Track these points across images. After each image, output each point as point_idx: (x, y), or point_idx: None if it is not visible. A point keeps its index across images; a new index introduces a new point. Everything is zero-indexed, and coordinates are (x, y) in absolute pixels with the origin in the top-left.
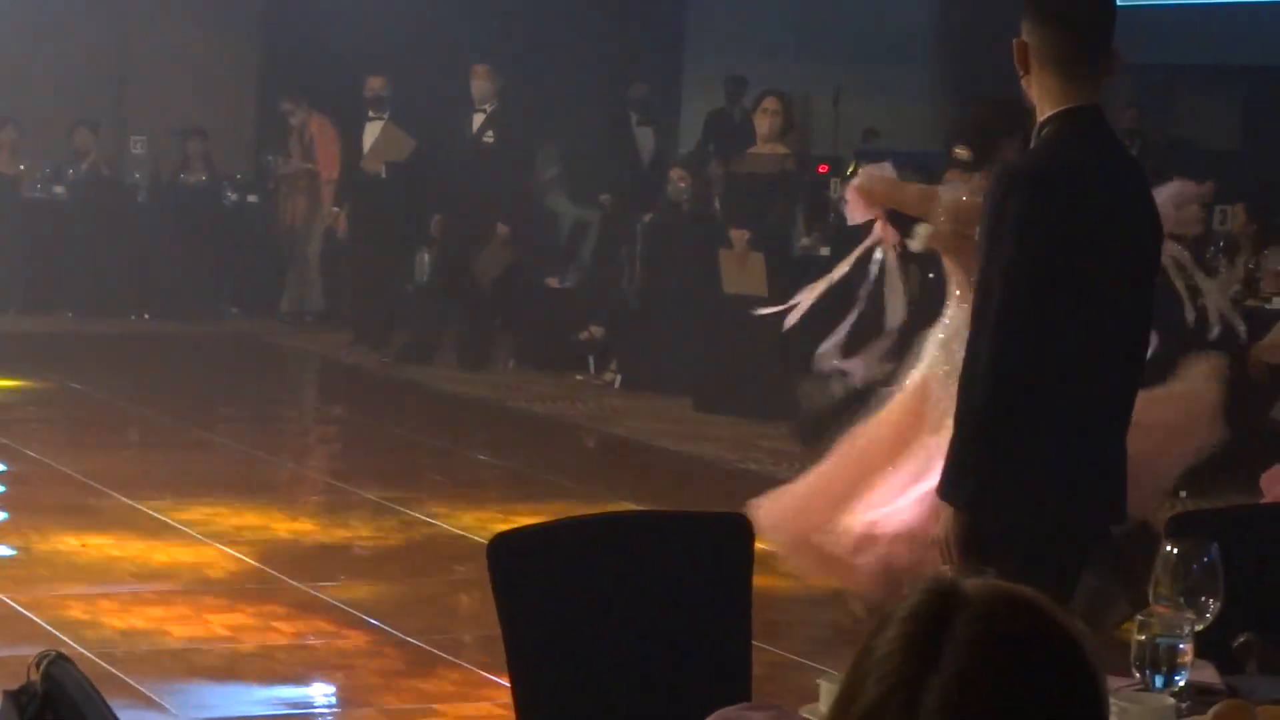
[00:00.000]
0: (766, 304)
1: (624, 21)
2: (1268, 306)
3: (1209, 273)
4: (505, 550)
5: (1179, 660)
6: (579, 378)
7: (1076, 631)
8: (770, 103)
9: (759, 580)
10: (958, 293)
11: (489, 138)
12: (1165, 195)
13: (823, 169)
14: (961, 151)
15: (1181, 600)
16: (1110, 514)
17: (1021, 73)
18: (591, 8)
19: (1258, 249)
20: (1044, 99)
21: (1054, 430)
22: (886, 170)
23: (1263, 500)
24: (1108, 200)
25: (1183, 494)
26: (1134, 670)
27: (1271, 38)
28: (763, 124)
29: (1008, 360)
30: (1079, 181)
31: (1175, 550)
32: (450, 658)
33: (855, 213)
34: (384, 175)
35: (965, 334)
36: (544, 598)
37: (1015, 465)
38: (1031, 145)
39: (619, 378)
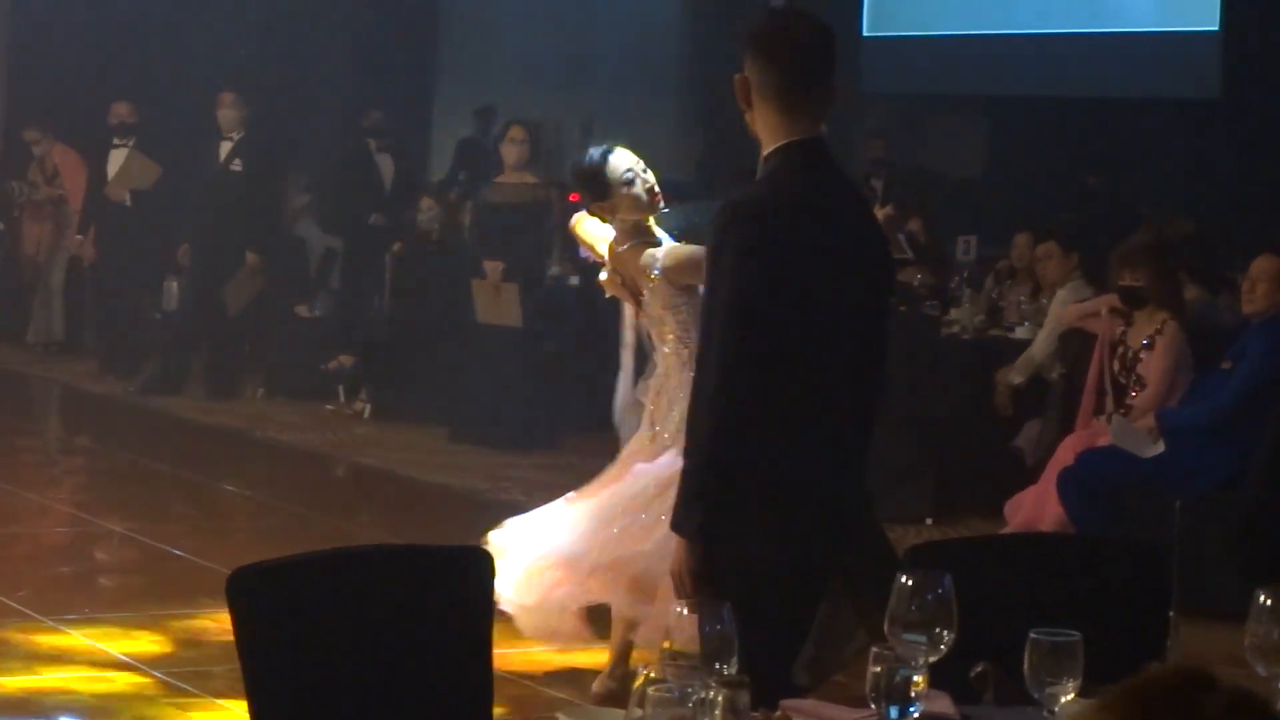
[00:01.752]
0: (521, 334)
1: (374, 49)
2: (1011, 336)
3: (954, 303)
4: (245, 583)
5: (913, 691)
6: (329, 408)
7: None
8: (516, 132)
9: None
10: (665, 341)
11: (237, 165)
12: None
13: (574, 198)
14: None
15: (916, 631)
16: (844, 543)
17: (744, 108)
18: (341, 35)
19: (999, 279)
20: (766, 133)
21: (781, 459)
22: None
23: (1007, 528)
24: (829, 231)
25: (929, 521)
26: (869, 701)
27: (1016, 69)
28: (510, 153)
29: (731, 391)
30: (798, 213)
31: (910, 581)
32: (196, 690)
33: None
34: (129, 203)
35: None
36: (284, 631)
37: (744, 495)
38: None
39: (369, 407)
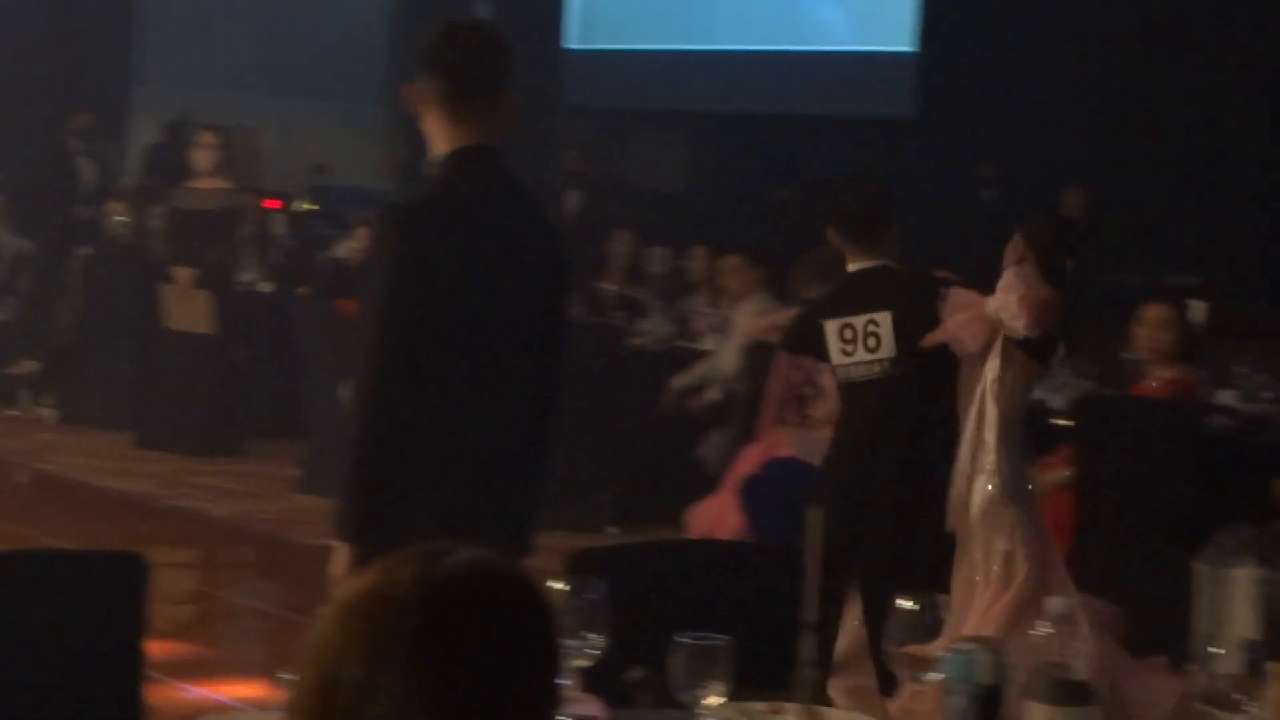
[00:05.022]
0: (211, 340)
1: (71, 49)
2: (694, 346)
3: (643, 314)
4: None
5: (560, 696)
6: (13, 412)
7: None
8: (207, 137)
9: None
10: None
11: None
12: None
13: (272, 204)
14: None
15: (569, 636)
16: (509, 545)
17: (418, 115)
18: (38, 33)
19: (688, 291)
20: (435, 140)
21: (436, 464)
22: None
23: (690, 534)
24: (492, 239)
25: (613, 530)
26: None
27: (717, 84)
28: (201, 158)
29: (384, 396)
30: (459, 219)
31: (564, 587)
32: None
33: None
34: None
35: None
36: None
37: (397, 499)
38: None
39: (54, 412)
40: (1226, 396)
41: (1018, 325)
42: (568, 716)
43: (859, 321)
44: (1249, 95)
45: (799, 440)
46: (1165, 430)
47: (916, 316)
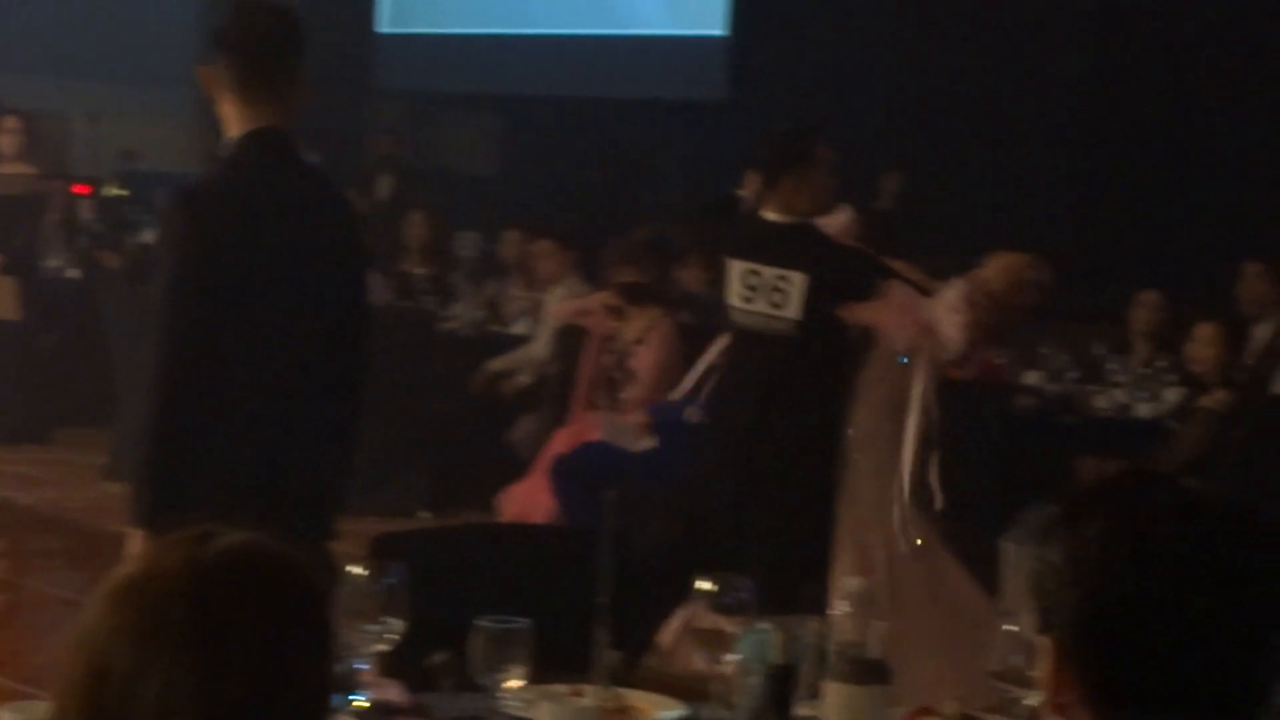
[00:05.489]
0: (18, 327)
1: None
2: (506, 331)
3: (454, 298)
4: None
5: (358, 680)
6: None
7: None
8: (10, 122)
9: None
10: None
11: None
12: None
13: (81, 189)
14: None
15: (368, 620)
16: (312, 529)
17: (213, 98)
18: None
19: (499, 275)
20: (228, 122)
21: (232, 448)
22: None
23: (502, 518)
24: (281, 221)
25: (425, 514)
26: None
27: (529, 68)
28: (4, 144)
29: (175, 380)
30: (247, 202)
31: (363, 571)
32: None
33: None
34: None
35: None
36: None
37: (191, 484)
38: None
39: None
40: (1032, 377)
41: (950, 347)
42: (368, 701)
43: (768, 272)
44: (1060, 75)
45: (610, 424)
46: (973, 412)
47: (834, 288)
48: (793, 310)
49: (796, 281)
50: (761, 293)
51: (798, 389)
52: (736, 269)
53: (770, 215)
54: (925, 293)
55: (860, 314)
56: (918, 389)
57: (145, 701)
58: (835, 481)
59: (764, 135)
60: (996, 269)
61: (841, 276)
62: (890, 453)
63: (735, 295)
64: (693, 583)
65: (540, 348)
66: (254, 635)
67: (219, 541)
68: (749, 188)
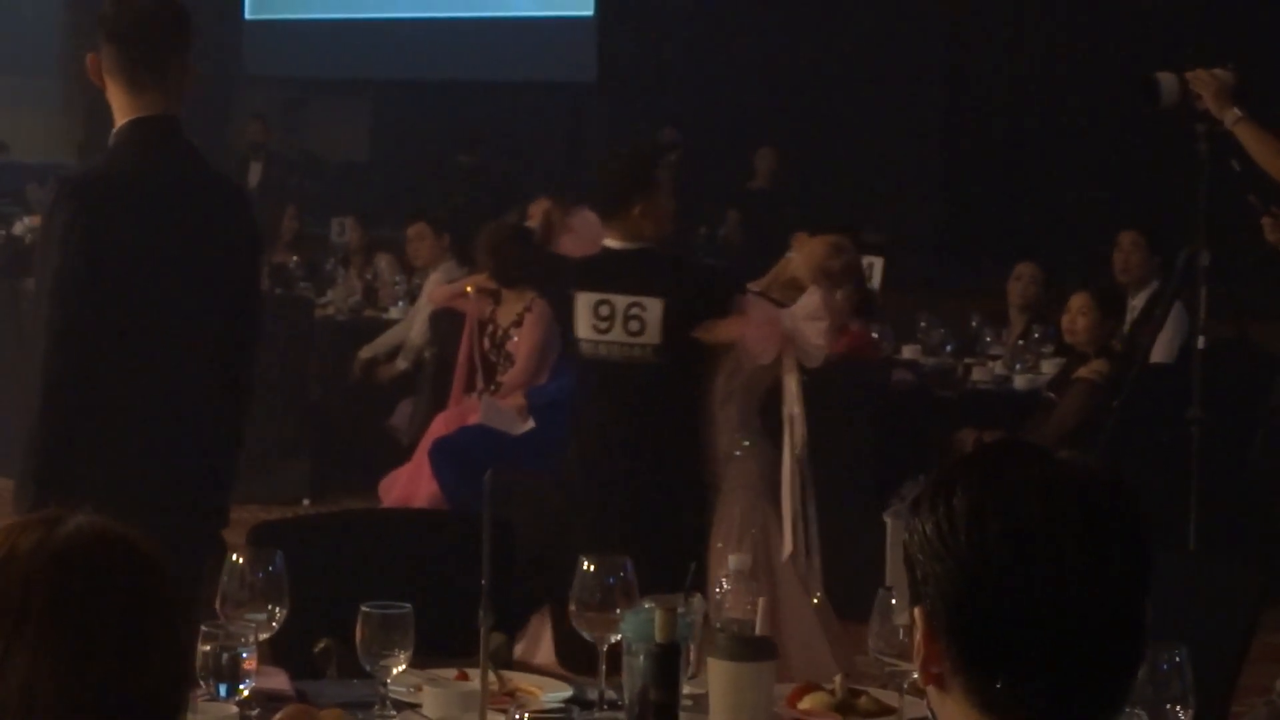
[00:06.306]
0: None
1: None
2: (385, 317)
3: (329, 284)
4: None
5: (242, 669)
6: None
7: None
8: None
9: None
10: None
11: None
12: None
13: None
14: None
15: (250, 609)
16: (202, 519)
17: (101, 86)
18: None
19: (370, 259)
20: (116, 110)
21: (120, 440)
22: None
23: (383, 503)
24: (169, 210)
25: (306, 502)
26: (199, 680)
27: (399, 52)
28: None
29: (61, 373)
30: (133, 191)
31: (241, 559)
32: None
33: None
34: None
35: None
36: None
37: (79, 477)
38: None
39: None
40: (909, 351)
41: (816, 355)
42: (252, 689)
43: (621, 301)
44: (931, 48)
45: (488, 407)
46: (849, 386)
47: (692, 310)
48: (651, 336)
49: (652, 308)
50: (615, 322)
51: (663, 415)
52: (584, 300)
53: (613, 243)
54: (779, 304)
55: (720, 332)
56: (788, 399)
57: (10, 689)
58: (709, 501)
59: (601, 163)
60: (800, 256)
61: (699, 297)
62: (760, 463)
63: (585, 327)
64: (573, 564)
65: (414, 332)
66: (113, 616)
67: (68, 524)
68: (534, 218)
